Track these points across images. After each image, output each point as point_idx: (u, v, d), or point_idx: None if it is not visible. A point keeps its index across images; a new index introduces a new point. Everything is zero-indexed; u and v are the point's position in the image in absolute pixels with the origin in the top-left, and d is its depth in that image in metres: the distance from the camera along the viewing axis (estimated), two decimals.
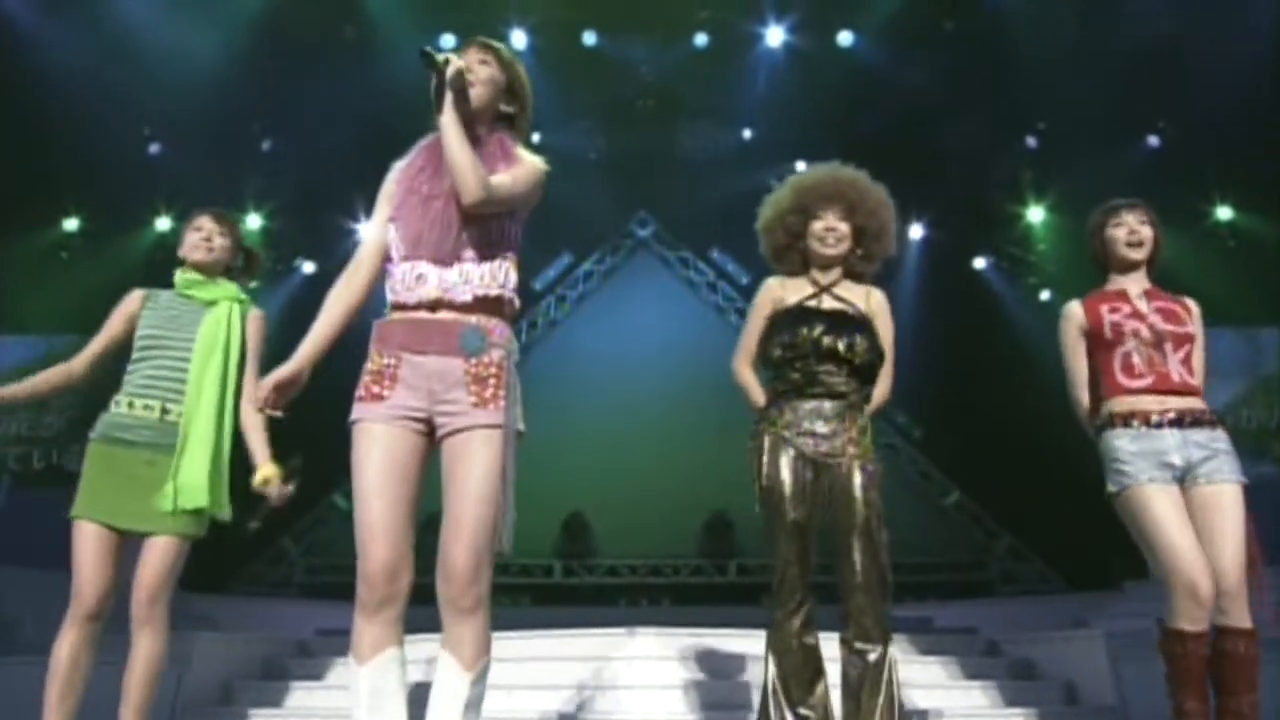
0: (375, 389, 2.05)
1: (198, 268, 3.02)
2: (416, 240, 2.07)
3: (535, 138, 9.18)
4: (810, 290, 2.82)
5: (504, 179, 2.08)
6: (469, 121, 2.09)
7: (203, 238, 3.02)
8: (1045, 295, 8.97)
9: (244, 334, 2.97)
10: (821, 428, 2.65)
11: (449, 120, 2.03)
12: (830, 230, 2.81)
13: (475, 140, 2.09)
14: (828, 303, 2.80)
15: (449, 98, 2.05)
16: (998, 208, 8.92)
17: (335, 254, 8.77)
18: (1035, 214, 8.95)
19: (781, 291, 2.84)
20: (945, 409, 8.77)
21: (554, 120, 9.12)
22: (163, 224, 8.36)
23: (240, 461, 2.85)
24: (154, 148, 8.22)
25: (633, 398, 9.56)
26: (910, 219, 9.33)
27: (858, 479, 2.62)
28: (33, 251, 8.10)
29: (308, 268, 9.51)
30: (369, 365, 2.09)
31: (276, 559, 9.16)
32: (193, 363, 2.87)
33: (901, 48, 7.81)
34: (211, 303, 2.98)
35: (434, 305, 2.07)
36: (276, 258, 9.36)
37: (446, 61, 2.04)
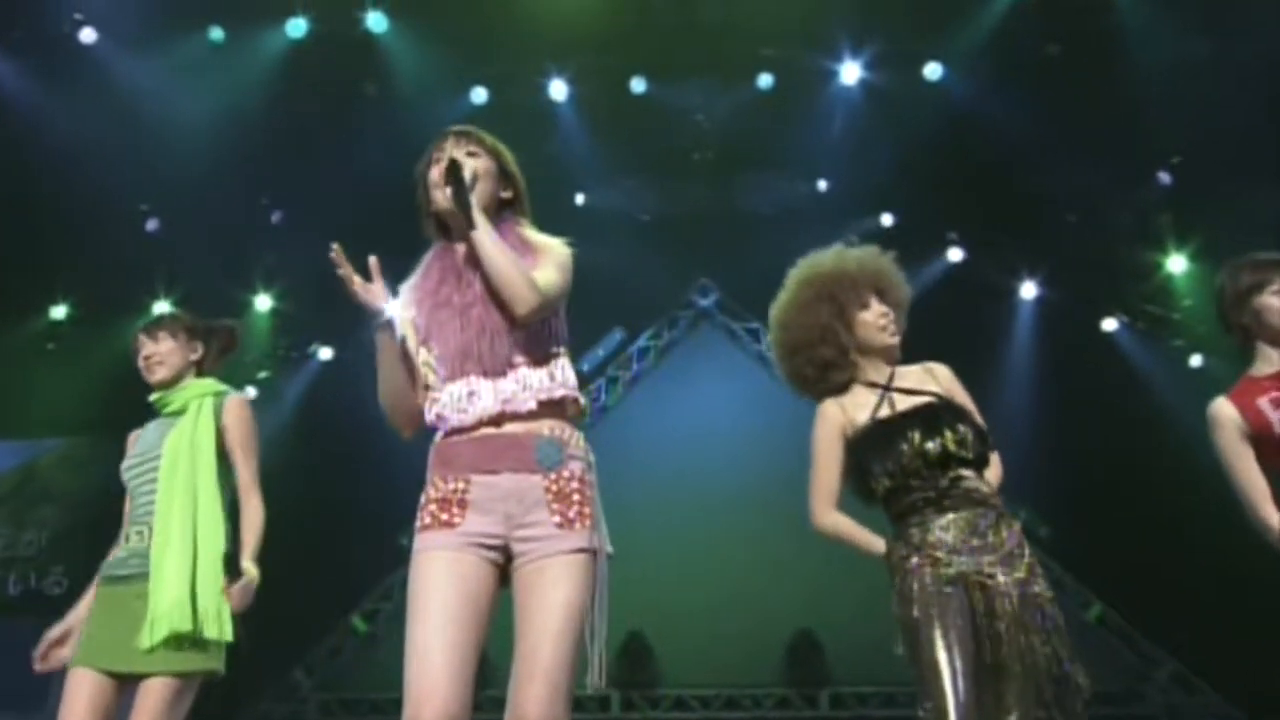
0: (444, 516, 2.09)
1: (162, 386, 3.13)
2: (464, 354, 2.16)
3: (578, 199, 9.40)
4: (874, 398, 2.75)
5: (549, 275, 2.18)
6: None
7: (145, 358, 3.13)
8: (1196, 360, 8.68)
9: (219, 428, 3.01)
10: (974, 542, 2.55)
11: (485, 230, 2.13)
12: (885, 317, 2.77)
13: None
14: (901, 402, 2.73)
15: (469, 203, 2.16)
16: (1128, 258, 8.68)
17: (355, 338, 8.94)
18: (1176, 263, 8.66)
19: (843, 412, 2.76)
20: (1077, 501, 8.40)
21: (599, 178, 9.27)
22: (161, 309, 8.55)
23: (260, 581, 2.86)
24: (151, 224, 8.51)
25: (699, 495, 9.46)
26: (1020, 277, 9.22)
27: (1027, 604, 2.50)
28: (15, 343, 8.37)
29: (325, 354, 9.70)
30: (431, 493, 2.14)
31: (287, 693, 9.07)
32: (159, 476, 2.94)
33: (999, 78, 7.75)
34: (182, 410, 3.07)
35: (497, 420, 2.14)
36: (290, 344, 9.57)
37: (462, 167, 2.18)
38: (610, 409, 10.69)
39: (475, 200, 2.20)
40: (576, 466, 2.14)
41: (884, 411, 2.72)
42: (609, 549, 2.11)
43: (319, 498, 8.28)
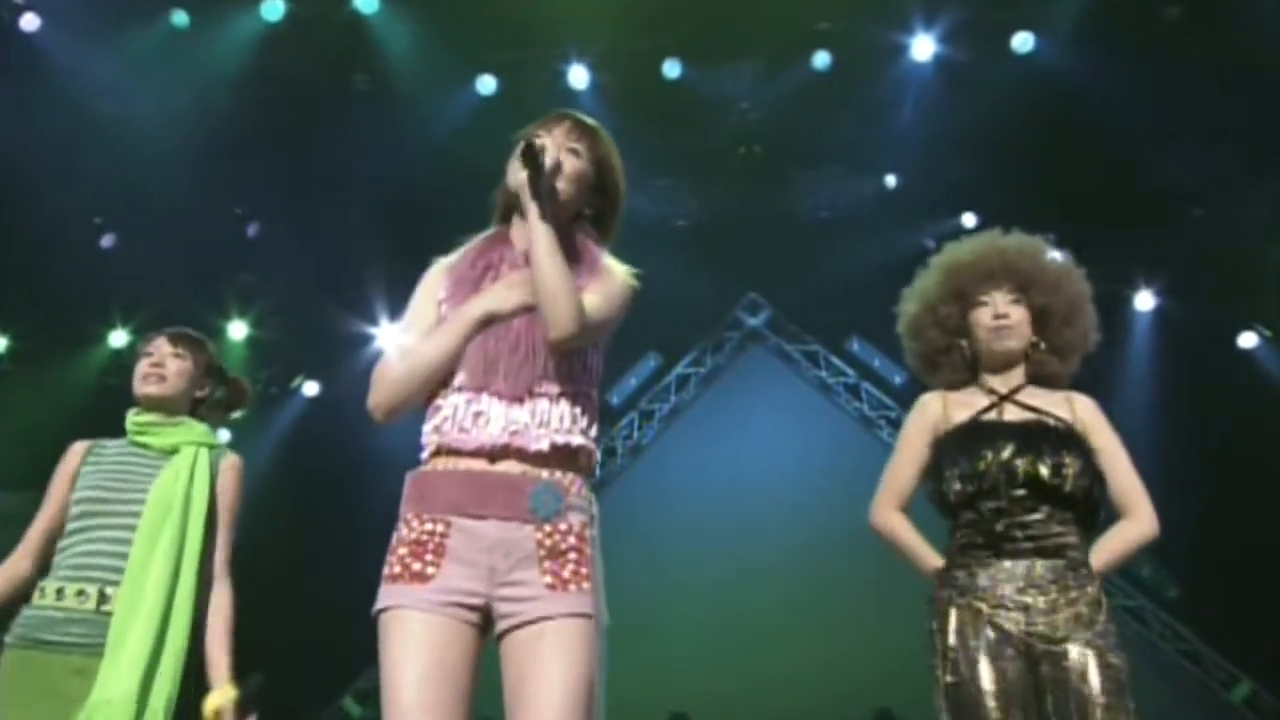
0: (415, 565, 2.07)
1: (152, 404, 3.12)
2: (489, 367, 2.18)
3: None
4: (985, 401, 2.86)
5: (597, 303, 2.22)
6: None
7: (153, 364, 3.13)
8: None
9: (213, 490, 3.02)
10: (1034, 597, 2.59)
11: (544, 232, 2.16)
12: (1001, 318, 2.87)
13: (560, 244, 2.21)
14: (1013, 413, 2.82)
15: (542, 194, 2.19)
16: (1266, 260, 8.50)
17: (346, 370, 8.96)
18: None
19: (944, 408, 2.88)
20: (1213, 556, 8.15)
21: (628, 179, 9.24)
22: (117, 339, 8.67)
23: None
24: (106, 240, 8.58)
25: (751, 551, 9.43)
26: (1135, 285, 9.07)
27: (1095, 677, 2.52)
28: None
29: (310, 389, 9.76)
30: (403, 533, 2.13)
31: None
32: (139, 532, 2.87)
33: (1105, 49, 7.53)
34: (170, 450, 3.05)
35: (495, 454, 2.14)
36: (268, 377, 9.61)
37: (543, 150, 2.20)
38: (644, 449, 10.68)
39: (546, 192, 2.22)
40: (576, 520, 2.14)
41: (990, 417, 2.81)
42: (606, 618, 2.11)
43: (305, 561, 8.28)
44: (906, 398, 9.72)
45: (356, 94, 8.37)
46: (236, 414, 3.39)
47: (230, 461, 3.11)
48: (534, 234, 2.17)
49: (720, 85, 8.68)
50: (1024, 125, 8.01)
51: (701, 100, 8.69)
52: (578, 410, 2.22)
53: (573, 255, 2.26)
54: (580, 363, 2.25)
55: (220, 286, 9.05)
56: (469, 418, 2.16)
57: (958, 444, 2.78)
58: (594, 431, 2.25)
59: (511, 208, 2.38)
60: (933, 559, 2.80)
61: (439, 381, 2.23)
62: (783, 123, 8.86)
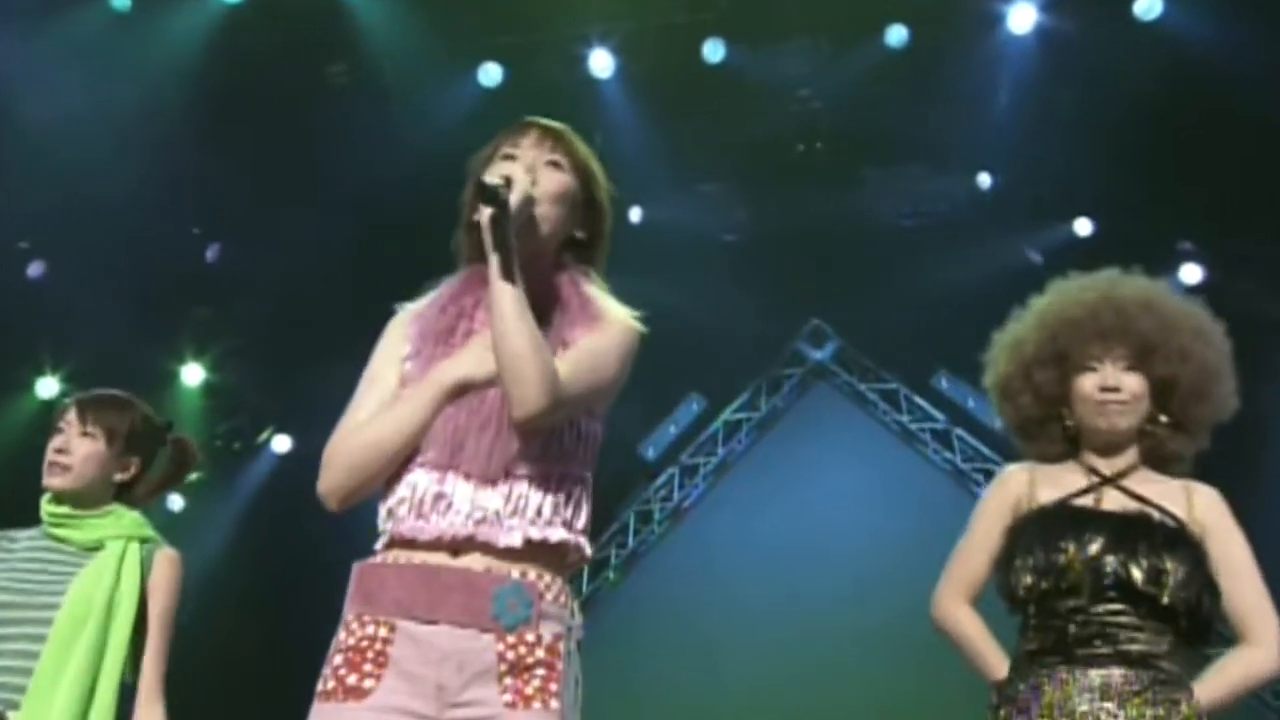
0: (350, 678, 2.10)
1: (62, 498, 3.14)
2: (456, 444, 2.19)
3: (634, 214, 9.35)
4: (1083, 482, 2.89)
5: (580, 365, 2.22)
6: (528, 261, 2.22)
7: (56, 450, 3.14)
8: None
9: (143, 591, 3.05)
10: (1110, 714, 2.60)
11: (508, 293, 2.15)
12: (1111, 391, 2.87)
13: (538, 290, 2.24)
14: (1114, 500, 2.84)
15: (506, 243, 2.17)
16: None
17: (325, 421, 8.90)
18: None
19: (1030, 483, 2.93)
20: None
21: (663, 185, 9.21)
22: (47, 389, 8.63)
23: None
24: (35, 269, 8.57)
25: (817, 637, 9.36)
26: None
27: None
28: None
29: (280, 444, 9.77)
30: (341, 638, 2.16)
31: None
32: (49, 642, 2.89)
33: (1253, 15, 7.40)
34: (93, 546, 3.07)
35: (458, 546, 2.15)
36: (229, 431, 9.61)
37: (508, 185, 2.18)
38: (686, 512, 10.62)
39: (516, 231, 2.21)
40: (549, 631, 2.15)
41: (1083, 501, 2.85)
42: None
43: (272, 655, 8.21)
44: (1008, 446, 9.59)
45: (334, 88, 8.36)
46: (183, 481, 3.41)
47: (165, 557, 3.15)
48: (495, 292, 2.17)
49: (774, 69, 8.61)
50: (1149, 109, 7.93)
51: (751, 88, 8.63)
52: (562, 497, 2.23)
53: (559, 303, 2.30)
54: (573, 437, 2.27)
55: (172, 322, 9.04)
56: (429, 500, 2.18)
57: (1038, 530, 2.82)
58: (582, 523, 2.26)
59: (476, 251, 2.39)
60: (997, 667, 2.85)
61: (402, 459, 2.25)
62: (851, 113, 8.80)
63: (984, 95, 8.38)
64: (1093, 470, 2.92)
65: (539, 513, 2.18)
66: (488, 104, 8.29)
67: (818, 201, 9.42)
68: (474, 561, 2.14)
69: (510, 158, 2.34)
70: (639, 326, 2.36)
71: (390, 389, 2.31)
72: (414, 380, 2.29)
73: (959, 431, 10.27)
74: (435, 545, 2.15)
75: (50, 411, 8.20)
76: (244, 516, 9.36)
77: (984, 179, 9.34)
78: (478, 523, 2.15)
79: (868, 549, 9.61)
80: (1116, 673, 2.65)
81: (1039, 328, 3.02)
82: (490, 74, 8.40)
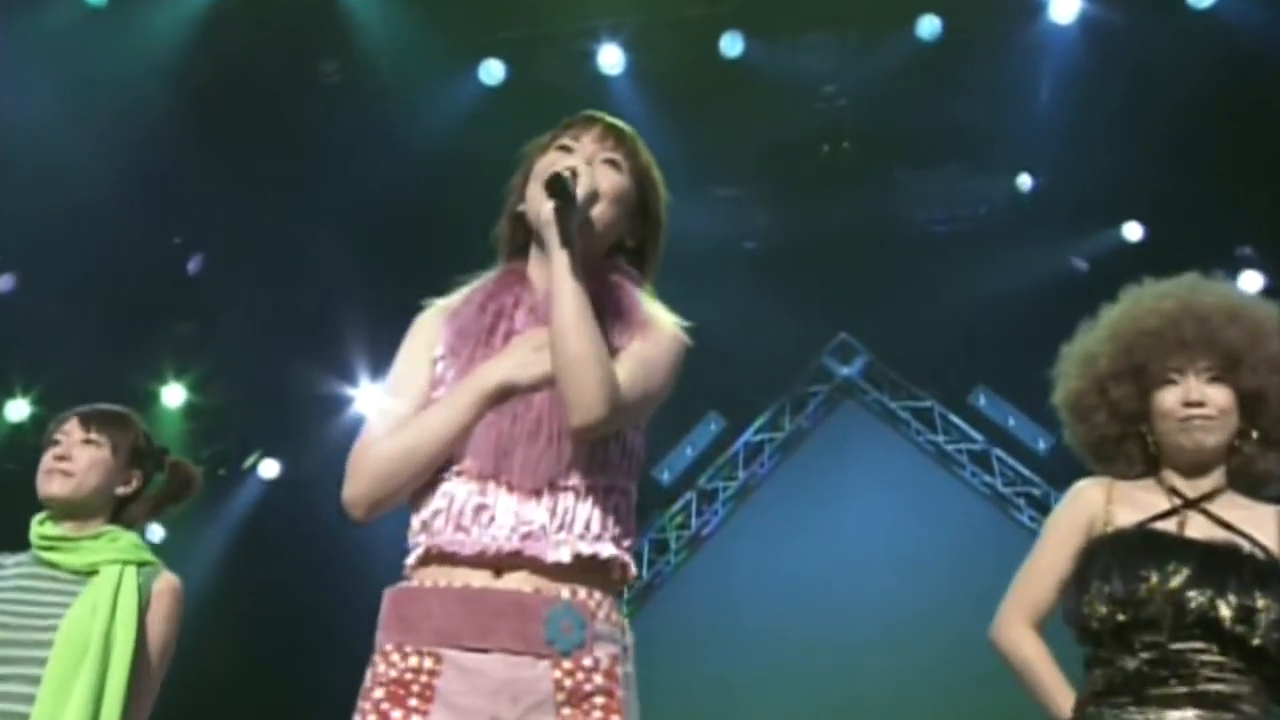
0: (395, 714, 2.11)
1: (59, 508, 3.15)
2: (502, 454, 2.20)
3: None
4: (1164, 504, 2.86)
5: (637, 373, 2.25)
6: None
7: (58, 455, 3.16)
8: None
9: (140, 620, 3.03)
10: None
11: (572, 290, 2.18)
12: (1195, 406, 2.85)
13: (589, 290, 2.24)
14: (1199, 527, 2.80)
15: (571, 239, 2.22)
16: None
17: (315, 444, 8.97)
18: None
19: (1106, 502, 2.91)
20: None
21: (678, 189, 9.18)
22: (17, 411, 8.61)
23: None
24: (3, 282, 8.51)
25: (845, 672, 9.38)
26: None
27: None
28: None
29: (268, 470, 9.76)
30: (379, 669, 2.16)
31: None
32: (45, 683, 2.88)
33: None
34: (87, 571, 3.07)
35: (501, 563, 2.16)
36: (213, 456, 9.59)
37: (574, 177, 2.24)
38: (705, 540, 10.63)
39: (578, 228, 2.25)
40: (605, 653, 2.17)
41: (1165, 526, 2.81)
42: None
43: (264, 695, 8.24)
44: (1052, 468, 9.72)
45: (326, 87, 8.38)
46: (183, 503, 3.44)
47: (165, 584, 3.15)
48: (559, 290, 2.19)
49: (797, 64, 8.60)
50: (1203, 104, 7.89)
51: (772, 85, 8.62)
52: (610, 511, 2.25)
53: (609, 306, 2.31)
54: (618, 449, 2.29)
55: (151, 338, 9.03)
56: (470, 512, 2.19)
57: (1115, 555, 2.78)
58: (629, 539, 2.28)
59: (524, 238, 2.44)
60: (1065, 703, 2.82)
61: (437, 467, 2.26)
62: (880, 111, 8.79)
63: (1024, 90, 8.36)
64: (1175, 491, 2.89)
65: (587, 527, 2.20)
66: (489, 103, 8.31)
67: (845, 206, 9.42)
68: (521, 581, 2.15)
69: (567, 149, 2.38)
70: (686, 337, 2.39)
71: (421, 391, 2.32)
72: (449, 383, 2.31)
73: (999, 453, 10.26)
74: (477, 561, 2.16)
75: (21, 435, 8.30)
76: (230, 547, 9.32)
77: (1024, 180, 9.33)
78: (523, 537, 2.16)
79: (901, 580, 9.60)
80: (1191, 715, 2.63)
81: (1112, 339, 3.00)
82: (492, 71, 8.41)
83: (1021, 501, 10.03)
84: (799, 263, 9.68)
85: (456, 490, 2.21)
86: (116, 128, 7.55)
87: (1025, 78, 8.30)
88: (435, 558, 2.20)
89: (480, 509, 2.18)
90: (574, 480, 2.22)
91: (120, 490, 3.25)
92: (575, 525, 2.19)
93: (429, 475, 2.24)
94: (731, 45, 8.38)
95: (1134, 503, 2.89)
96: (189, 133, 7.93)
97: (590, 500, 2.22)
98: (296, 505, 8.88)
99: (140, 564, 3.15)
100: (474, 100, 8.37)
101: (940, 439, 10.45)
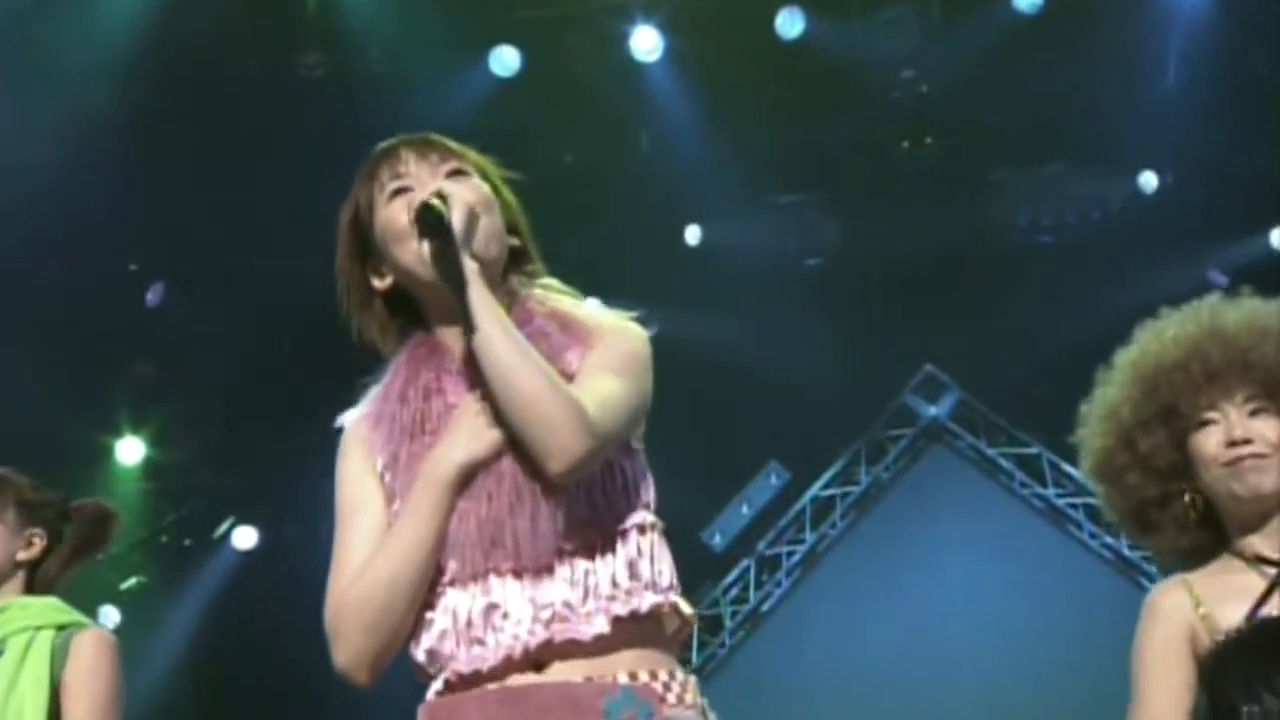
0: None
1: None
2: (488, 541, 2.22)
3: (691, 234, 9.35)
4: (1258, 581, 2.82)
5: (600, 389, 2.25)
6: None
7: None
8: None
9: (54, 684, 3.07)
10: None
11: (487, 321, 2.21)
12: (1241, 445, 2.83)
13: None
14: None
15: (460, 272, 2.24)
16: None
17: (300, 506, 8.96)
18: None
19: (1194, 605, 2.86)
20: None
21: (726, 196, 9.25)
22: None
23: None
24: None
25: None
26: None
27: None
28: None
29: (243, 539, 9.75)
30: None
31: None
32: None
33: None
34: None
35: (537, 660, 2.18)
36: (179, 522, 9.64)
37: (442, 202, 2.27)
38: (766, 617, 10.66)
39: (471, 261, 2.26)
40: None
41: (1270, 608, 2.78)
42: None
43: None
44: None
45: (307, 83, 8.42)
46: (96, 552, 3.47)
47: (85, 640, 3.18)
48: (479, 330, 2.21)
49: (869, 45, 8.64)
50: None
51: (840, 70, 8.68)
52: (632, 553, 2.27)
53: (538, 330, 2.33)
54: (615, 481, 2.30)
55: (104, 383, 9.06)
56: (479, 619, 2.20)
57: (1249, 666, 2.72)
58: (667, 576, 2.30)
59: (412, 306, 2.46)
60: None
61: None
62: (971, 98, 8.82)
63: (1146, 71, 8.39)
64: (1262, 560, 2.84)
65: (614, 583, 2.22)
66: (503, 99, 8.37)
67: (929, 214, 9.44)
68: (567, 670, 2.16)
69: (404, 190, 2.37)
70: (639, 329, 2.40)
71: (378, 514, 2.32)
72: (403, 490, 2.30)
73: None
74: (508, 668, 2.16)
75: None
76: (198, 633, 9.34)
77: (1148, 179, 9.33)
78: (549, 622, 2.17)
79: (1004, 663, 9.60)
80: None
81: (1133, 383, 3.00)
82: (505, 60, 8.46)
83: (1153, 567, 9.91)
84: (874, 282, 9.71)
85: (455, 602, 2.22)
86: (59, 134, 7.58)
87: (1148, 55, 8.33)
88: (458, 684, 2.21)
89: (490, 610, 2.20)
90: (580, 538, 2.23)
91: (21, 556, 3.29)
92: (602, 587, 2.21)
93: (421, 599, 2.25)
94: (790, 24, 8.41)
95: (1224, 592, 2.84)
96: (145, 139, 8.00)
97: (608, 553, 2.24)
98: (278, 581, 8.84)
99: (59, 626, 3.19)
100: (485, 96, 8.43)
101: (1050, 492, 10.39)
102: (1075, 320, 8.88)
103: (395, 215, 2.34)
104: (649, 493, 2.36)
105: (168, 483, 9.41)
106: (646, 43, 8.43)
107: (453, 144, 2.46)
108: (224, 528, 9.76)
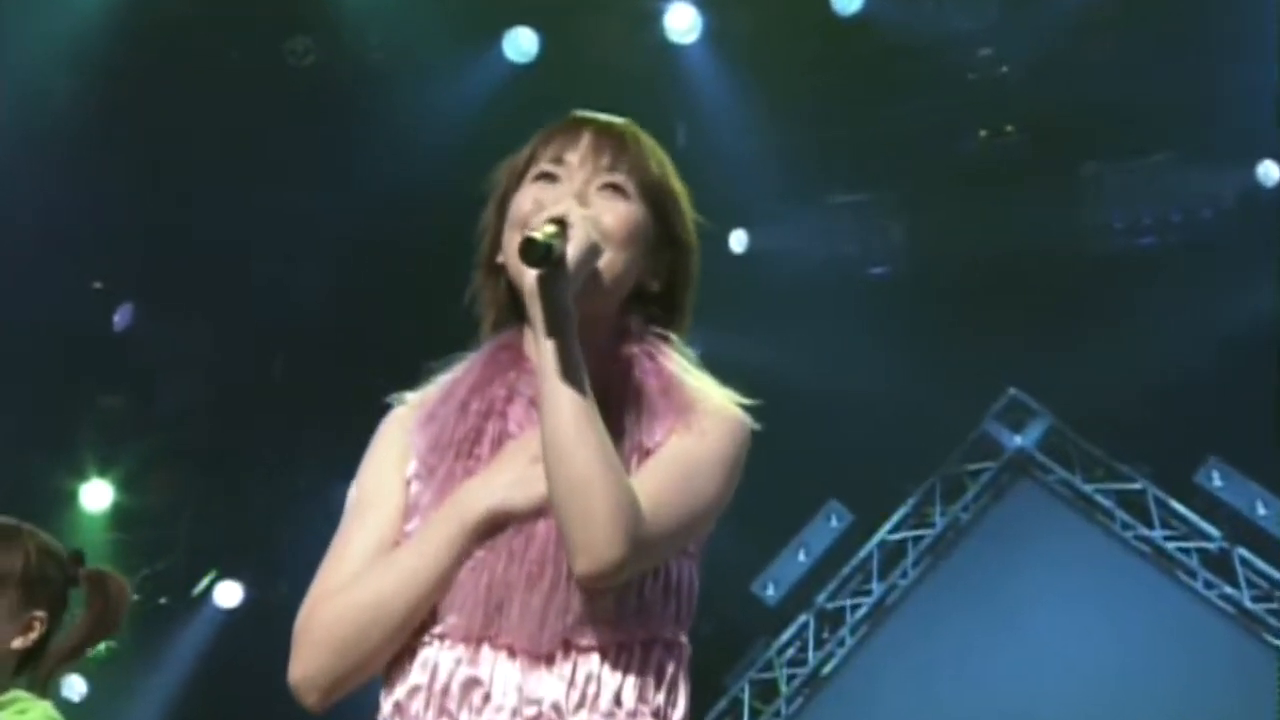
0: None
1: None
2: (493, 606, 2.22)
3: (736, 241, 9.37)
4: None
5: (668, 487, 2.24)
6: (584, 330, 2.24)
7: None
8: None
9: None
10: None
11: (560, 387, 2.18)
12: None
13: (598, 371, 2.26)
14: None
15: (562, 318, 2.20)
16: None
17: (289, 562, 9.01)
18: None
19: None
20: None
21: (776, 197, 9.28)
22: None
23: None
24: None
25: None
26: None
27: None
28: None
29: (226, 595, 9.79)
30: None
31: None
32: None
33: None
34: None
35: None
36: (153, 577, 9.66)
37: (562, 231, 2.19)
38: (827, 681, 10.64)
39: (574, 297, 2.22)
40: None
41: None
42: None
43: None
44: None
45: (296, 72, 8.47)
46: (112, 635, 3.45)
47: None
48: (549, 394, 2.18)
49: (940, 20, 8.66)
50: None
51: (907, 49, 8.72)
52: (648, 674, 2.26)
53: (631, 392, 2.33)
54: (657, 587, 2.29)
55: (67, 419, 9.12)
56: (457, 691, 2.20)
57: None
58: (680, 710, 2.29)
59: (507, 309, 2.45)
60: None
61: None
62: (1058, 80, 8.81)
63: (1262, 45, 8.25)
64: None
65: (618, 701, 2.20)
66: (517, 87, 8.38)
67: (1010, 214, 9.46)
68: None
69: (550, 178, 2.37)
70: (748, 419, 2.37)
71: (390, 523, 2.33)
72: (426, 510, 2.30)
73: (1242, 552, 10.12)
74: None
75: None
76: (176, 703, 9.39)
77: (1267, 170, 9.28)
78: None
79: None
80: None
81: None
82: (520, 44, 8.51)
83: (1277, 621, 9.88)
84: (948, 293, 9.73)
85: (439, 659, 2.22)
86: (16, 131, 7.63)
87: (1264, 28, 8.21)
88: None
89: (470, 685, 2.20)
90: (596, 638, 2.22)
91: (17, 644, 3.28)
92: (602, 700, 2.20)
93: (404, 639, 2.25)
94: None
95: None
96: (111, 135, 8.04)
97: (621, 663, 2.23)
98: (267, 645, 8.86)
99: (17, 715, 3.17)
100: (497, 84, 8.46)
101: (1157, 534, 10.33)
102: (1184, 334, 8.88)
103: (523, 199, 2.35)
104: (688, 608, 2.34)
105: (140, 532, 9.44)
106: (682, 21, 8.46)
107: (642, 153, 2.44)
108: (205, 583, 9.80)
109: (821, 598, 10.68)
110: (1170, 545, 10.29)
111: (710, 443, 2.31)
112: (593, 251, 2.24)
